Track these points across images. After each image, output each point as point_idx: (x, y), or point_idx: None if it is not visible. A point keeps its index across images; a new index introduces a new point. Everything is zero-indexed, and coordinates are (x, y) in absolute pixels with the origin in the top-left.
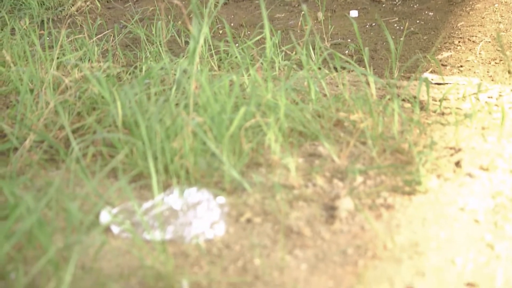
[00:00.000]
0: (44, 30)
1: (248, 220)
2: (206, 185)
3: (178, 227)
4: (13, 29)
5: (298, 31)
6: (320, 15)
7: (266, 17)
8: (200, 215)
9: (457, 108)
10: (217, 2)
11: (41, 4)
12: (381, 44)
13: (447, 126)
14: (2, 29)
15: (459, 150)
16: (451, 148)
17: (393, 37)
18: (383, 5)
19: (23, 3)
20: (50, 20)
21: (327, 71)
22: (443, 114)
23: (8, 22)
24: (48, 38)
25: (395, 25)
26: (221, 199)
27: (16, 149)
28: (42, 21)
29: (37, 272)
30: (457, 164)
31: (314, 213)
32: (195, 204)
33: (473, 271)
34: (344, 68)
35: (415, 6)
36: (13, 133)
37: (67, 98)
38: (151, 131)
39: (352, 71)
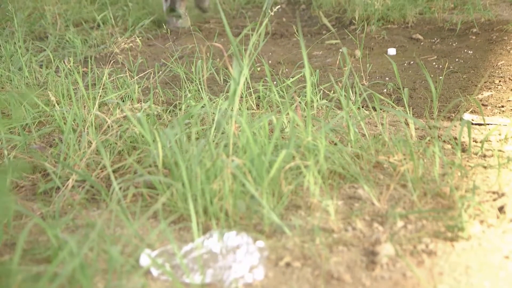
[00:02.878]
0: (87, 68)
1: (288, 264)
2: (245, 227)
3: (218, 271)
4: (57, 67)
5: (336, 69)
6: (358, 53)
7: (306, 57)
8: (239, 259)
9: (499, 151)
10: (258, 41)
11: (84, 42)
12: (419, 82)
13: (489, 169)
14: (47, 67)
15: (503, 194)
16: (494, 193)
17: (432, 75)
18: (422, 43)
19: (67, 41)
20: (93, 57)
21: (366, 112)
22: (484, 156)
23: (53, 60)
24: (91, 76)
25: (434, 63)
26: (260, 243)
27: (58, 188)
28: (86, 58)
29: None
30: (501, 209)
31: (354, 258)
32: (235, 247)
33: None
34: (383, 109)
35: (454, 44)
36: (55, 173)
37: (109, 138)
38: (191, 172)
39: None
